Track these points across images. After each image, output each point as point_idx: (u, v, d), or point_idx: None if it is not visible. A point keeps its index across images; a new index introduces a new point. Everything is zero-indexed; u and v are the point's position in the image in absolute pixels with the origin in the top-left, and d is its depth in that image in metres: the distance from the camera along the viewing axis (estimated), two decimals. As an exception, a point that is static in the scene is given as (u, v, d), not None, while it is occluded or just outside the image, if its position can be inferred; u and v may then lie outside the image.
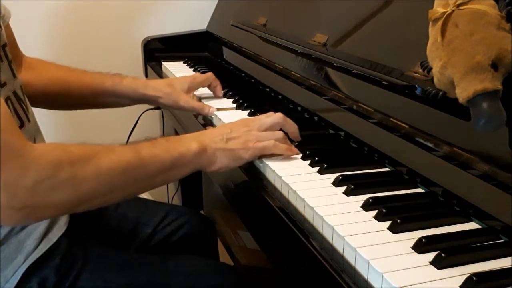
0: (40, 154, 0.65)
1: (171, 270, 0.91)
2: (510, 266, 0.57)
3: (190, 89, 1.16)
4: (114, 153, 0.71)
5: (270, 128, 0.85)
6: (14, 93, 0.83)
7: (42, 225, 0.82)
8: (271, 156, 0.84)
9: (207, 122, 1.13)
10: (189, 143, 0.79)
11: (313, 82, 1.05)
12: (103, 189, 0.70)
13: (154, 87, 1.13)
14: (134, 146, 0.75)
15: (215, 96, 1.22)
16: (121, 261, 0.89)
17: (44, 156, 0.65)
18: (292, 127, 0.88)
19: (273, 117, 0.86)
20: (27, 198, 0.64)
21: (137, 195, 0.77)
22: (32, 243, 0.81)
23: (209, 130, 0.86)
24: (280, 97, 1.19)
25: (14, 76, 0.85)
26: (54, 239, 0.84)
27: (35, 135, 0.88)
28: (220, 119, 1.06)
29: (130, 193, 0.76)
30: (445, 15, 0.67)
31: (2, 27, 0.86)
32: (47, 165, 0.65)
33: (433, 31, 0.69)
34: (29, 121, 0.86)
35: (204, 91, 1.24)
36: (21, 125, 0.82)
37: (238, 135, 0.82)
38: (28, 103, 0.88)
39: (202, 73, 1.30)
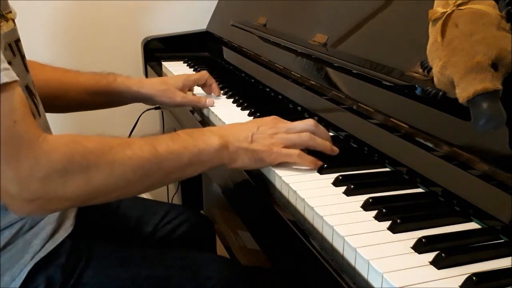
0: (53, 146, 0.65)
1: (171, 263, 0.92)
2: (510, 266, 0.57)
3: (185, 86, 1.15)
4: (130, 148, 0.71)
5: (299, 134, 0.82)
6: (27, 87, 0.83)
7: (49, 226, 0.83)
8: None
9: (204, 119, 1.13)
10: (211, 138, 0.77)
11: (313, 82, 1.05)
12: (116, 183, 0.70)
13: (149, 85, 1.13)
14: (152, 141, 0.73)
15: (213, 95, 1.21)
16: (123, 257, 0.90)
17: (56, 149, 0.65)
18: (324, 135, 0.84)
19: (304, 123, 0.83)
20: (38, 189, 0.64)
21: (155, 189, 0.77)
22: (39, 244, 0.81)
23: (236, 125, 0.84)
24: (280, 97, 1.19)
25: (27, 71, 0.85)
26: (60, 240, 0.84)
27: (45, 130, 0.88)
28: (218, 118, 1.06)
29: (146, 187, 0.76)
30: (445, 15, 0.67)
31: (16, 23, 0.86)
32: (59, 157, 0.64)
33: (433, 31, 0.69)
34: (40, 115, 0.86)
35: (201, 91, 1.24)
36: None
37: (264, 136, 0.80)
38: (39, 98, 0.88)
39: (201, 72, 1.29)
